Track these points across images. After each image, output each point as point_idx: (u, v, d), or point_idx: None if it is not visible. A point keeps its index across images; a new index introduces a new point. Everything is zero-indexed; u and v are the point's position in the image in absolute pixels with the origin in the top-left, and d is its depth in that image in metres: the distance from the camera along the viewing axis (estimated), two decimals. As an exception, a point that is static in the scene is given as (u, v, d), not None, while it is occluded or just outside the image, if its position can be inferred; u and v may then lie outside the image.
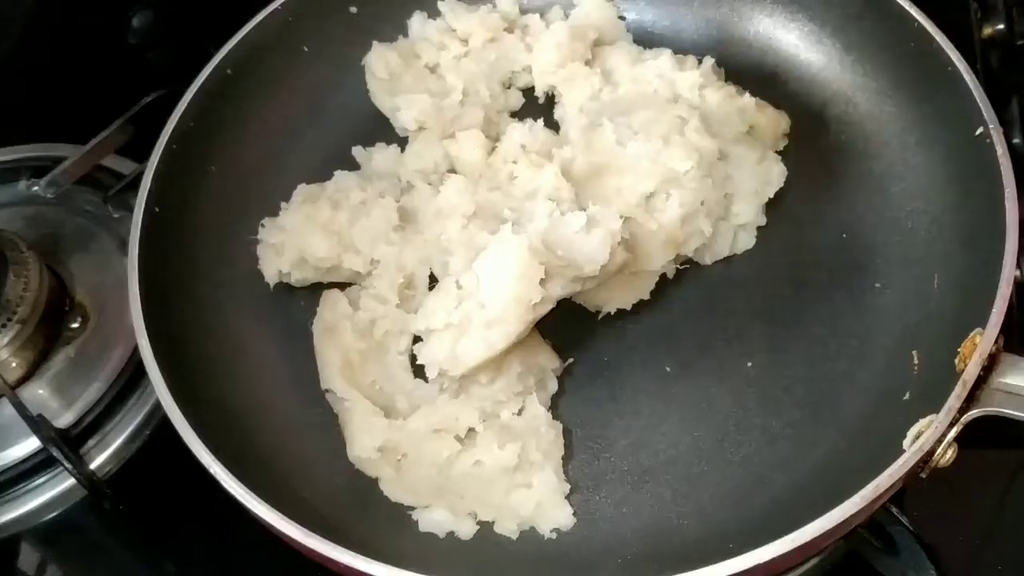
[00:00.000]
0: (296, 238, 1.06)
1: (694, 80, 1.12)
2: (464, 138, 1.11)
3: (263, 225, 1.10)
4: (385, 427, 0.96)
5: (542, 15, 1.24)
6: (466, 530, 0.94)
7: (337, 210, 1.07)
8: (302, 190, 1.11)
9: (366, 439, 0.95)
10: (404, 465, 0.95)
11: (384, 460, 0.95)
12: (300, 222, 1.07)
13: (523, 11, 1.25)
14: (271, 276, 1.08)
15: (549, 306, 0.93)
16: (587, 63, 1.17)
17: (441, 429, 0.94)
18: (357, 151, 1.18)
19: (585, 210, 0.96)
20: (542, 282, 0.90)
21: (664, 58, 1.14)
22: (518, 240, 0.90)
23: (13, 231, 1.18)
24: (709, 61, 1.16)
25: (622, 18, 1.24)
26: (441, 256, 1.01)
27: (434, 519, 0.94)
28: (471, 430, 0.95)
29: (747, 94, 1.13)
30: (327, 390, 1.02)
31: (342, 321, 1.03)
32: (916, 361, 0.95)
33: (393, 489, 0.95)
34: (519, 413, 0.97)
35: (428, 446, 0.94)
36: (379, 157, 1.16)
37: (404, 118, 1.16)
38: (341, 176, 1.12)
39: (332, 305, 1.05)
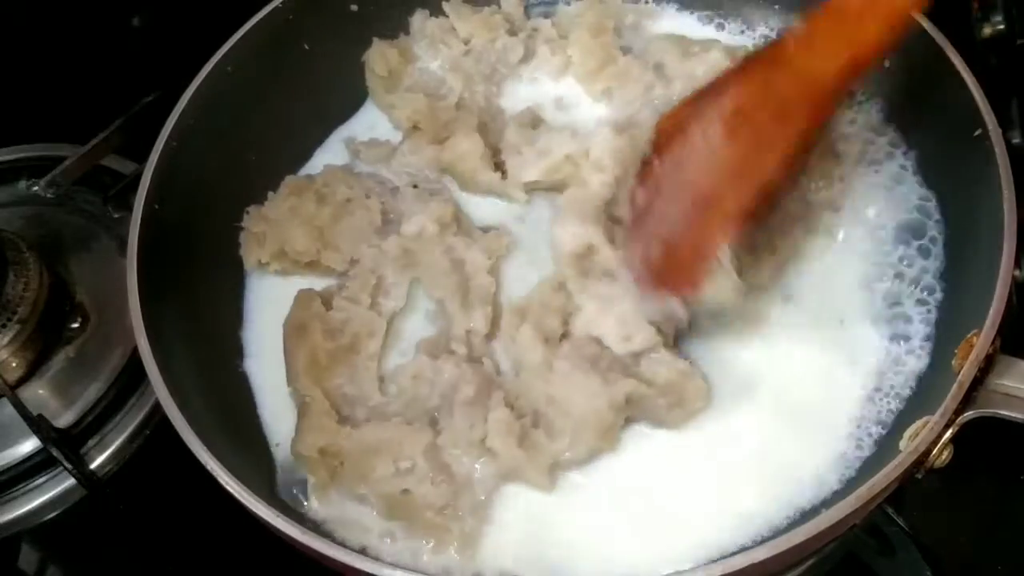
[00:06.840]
0: (278, 229, 1.06)
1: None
2: (457, 142, 1.10)
3: (247, 212, 1.09)
4: (334, 431, 0.94)
5: (547, 16, 1.24)
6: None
7: (322, 205, 1.07)
8: (289, 180, 1.11)
9: (310, 438, 0.93)
10: (338, 473, 0.93)
11: (322, 463, 0.93)
12: (284, 213, 1.07)
13: (528, 15, 1.24)
14: (251, 265, 1.08)
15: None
16: (634, 59, 1.14)
17: (382, 449, 0.92)
18: (348, 144, 1.18)
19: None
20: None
21: (715, 52, 1.11)
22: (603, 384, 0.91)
23: (13, 231, 1.19)
24: None
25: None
26: (426, 269, 1.01)
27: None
28: (411, 459, 0.92)
29: None
30: (291, 388, 1.00)
31: (313, 320, 1.01)
32: (916, 361, 0.95)
33: (321, 494, 0.93)
34: (466, 460, 0.93)
35: (365, 461, 0.92)
36: (370, 154, 1.16)
37: (398, 116, 1.16)
38: (330, 170, 1.13)
39: (305, 303, 1.03)
